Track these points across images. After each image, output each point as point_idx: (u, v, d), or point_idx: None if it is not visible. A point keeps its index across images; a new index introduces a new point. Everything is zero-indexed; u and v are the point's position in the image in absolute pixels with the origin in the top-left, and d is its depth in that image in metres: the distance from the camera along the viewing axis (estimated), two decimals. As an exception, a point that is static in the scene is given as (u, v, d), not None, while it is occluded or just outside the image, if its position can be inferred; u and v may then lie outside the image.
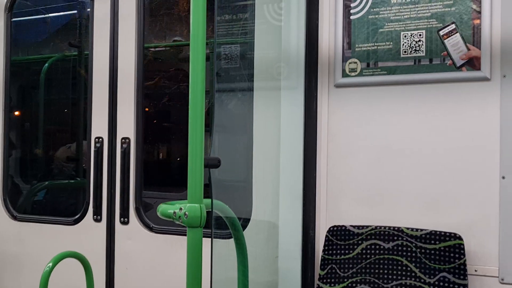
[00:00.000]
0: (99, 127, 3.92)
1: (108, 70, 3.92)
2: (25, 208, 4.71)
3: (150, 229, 3.72)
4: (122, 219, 3.79)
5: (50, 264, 3.19)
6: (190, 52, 2.05)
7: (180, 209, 2.10)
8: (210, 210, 2.56)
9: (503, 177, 2.70)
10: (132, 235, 3.76)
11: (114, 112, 3.88)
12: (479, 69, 2.75)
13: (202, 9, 2.06)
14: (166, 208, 2.24)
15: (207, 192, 2.36)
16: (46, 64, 5.21)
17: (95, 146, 3.91)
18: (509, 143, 2.68)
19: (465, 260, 2.70)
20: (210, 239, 2.73)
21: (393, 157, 2.94)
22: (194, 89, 2.04)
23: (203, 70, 2.01)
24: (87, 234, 3.91)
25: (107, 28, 3.93)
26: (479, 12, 2.75)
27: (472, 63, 2.77)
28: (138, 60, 3.85)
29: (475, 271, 2.74)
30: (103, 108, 3.93)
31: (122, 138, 3.82)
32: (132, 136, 3.80)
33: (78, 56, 5.35)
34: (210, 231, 2.60)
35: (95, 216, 3.89)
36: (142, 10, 3.86)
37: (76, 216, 3.99)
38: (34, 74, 5.32)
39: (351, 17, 3.03)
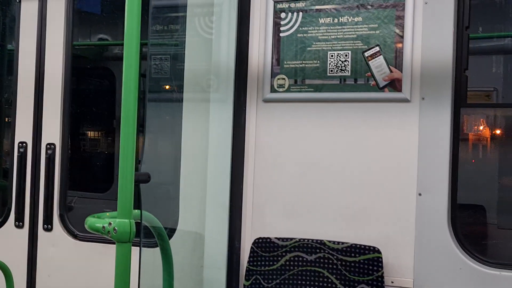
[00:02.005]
0: (23, 132, 3.83)
1: (35, 71, 3.81)
2: None
3: (75, 236, 3.69)
4: (45, 225, 3.73)
5: (-31, 271, 3.12)
6: (124, 60, 2.06)
7: (110, 223, 2.12)
8: (139, 221, 2.59)
9: (420, 194, 2.85)
10: (56, 242, 3.71)
11: (39, 115, 3.79)
12: (400, 90, 2.89)
13: (137, 12, 2.08)
14: (95, 222, 2.24)
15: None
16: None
17: (18, 151, 3.81)
18: (426, 162, 2.83)
19: (382, 273, 2.83)
20: (138, 248, 2.74)
21: (317, 172, 3.04)
22: (127, 107, 2.06)
23: (135, 94, 2.03)
24: (8, 240, 3.82)
25: (34, 27, 3.82)
26: (402, 37, 2.89)
27: (394, 84, 2.90)
28: (66, 60, 3.76)
29: (392, 282, 2.88)
30: (28, 111, 3.82)
31: (47, 144, 3.75)
32: (57, 142, 3.74)
33: (1, 54, 5.20)
34: (138, 239, 2.61)
35: (17, 222, 3.80)
36: (71, 9, 3.78)
37: (-3, 222, 3.90)
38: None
39: (281, 35, 3.11)
